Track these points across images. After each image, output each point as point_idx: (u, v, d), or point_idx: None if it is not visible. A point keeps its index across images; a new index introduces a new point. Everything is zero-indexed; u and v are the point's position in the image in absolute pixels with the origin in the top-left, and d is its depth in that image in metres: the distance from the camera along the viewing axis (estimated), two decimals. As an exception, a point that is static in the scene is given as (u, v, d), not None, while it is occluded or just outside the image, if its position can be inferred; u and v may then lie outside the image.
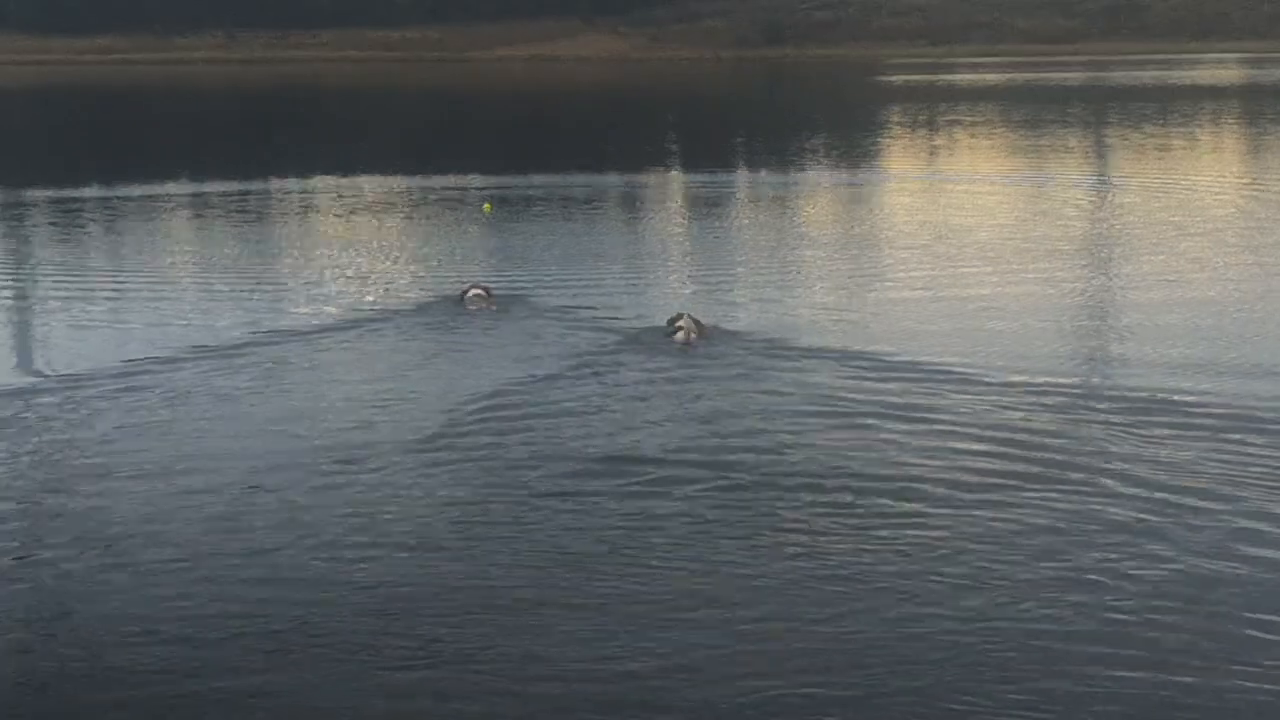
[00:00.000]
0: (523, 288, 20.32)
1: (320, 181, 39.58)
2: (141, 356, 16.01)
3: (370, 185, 38.10)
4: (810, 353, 16.01)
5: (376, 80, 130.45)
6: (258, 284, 21.62)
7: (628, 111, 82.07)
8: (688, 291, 20.31)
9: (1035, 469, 11.72)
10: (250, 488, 11.40)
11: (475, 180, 38.55)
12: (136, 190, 36.83)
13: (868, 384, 14.53)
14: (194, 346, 16.53)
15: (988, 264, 22.89)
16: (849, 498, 11.08)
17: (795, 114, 77.93)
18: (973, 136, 54.60)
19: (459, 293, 19.10)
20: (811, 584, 9.46)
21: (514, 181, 38.00)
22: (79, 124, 74.09)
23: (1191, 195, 32.71)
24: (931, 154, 48.56)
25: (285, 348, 16.51)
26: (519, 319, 17.94)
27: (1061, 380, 14.82)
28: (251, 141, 61.43)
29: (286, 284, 21.56)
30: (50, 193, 36.40)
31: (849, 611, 9.03)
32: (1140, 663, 8.31)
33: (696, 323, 16.61)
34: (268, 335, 17.18)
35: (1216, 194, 33.17)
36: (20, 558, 10.10)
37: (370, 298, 19.95)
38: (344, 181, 39.11)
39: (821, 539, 10.20)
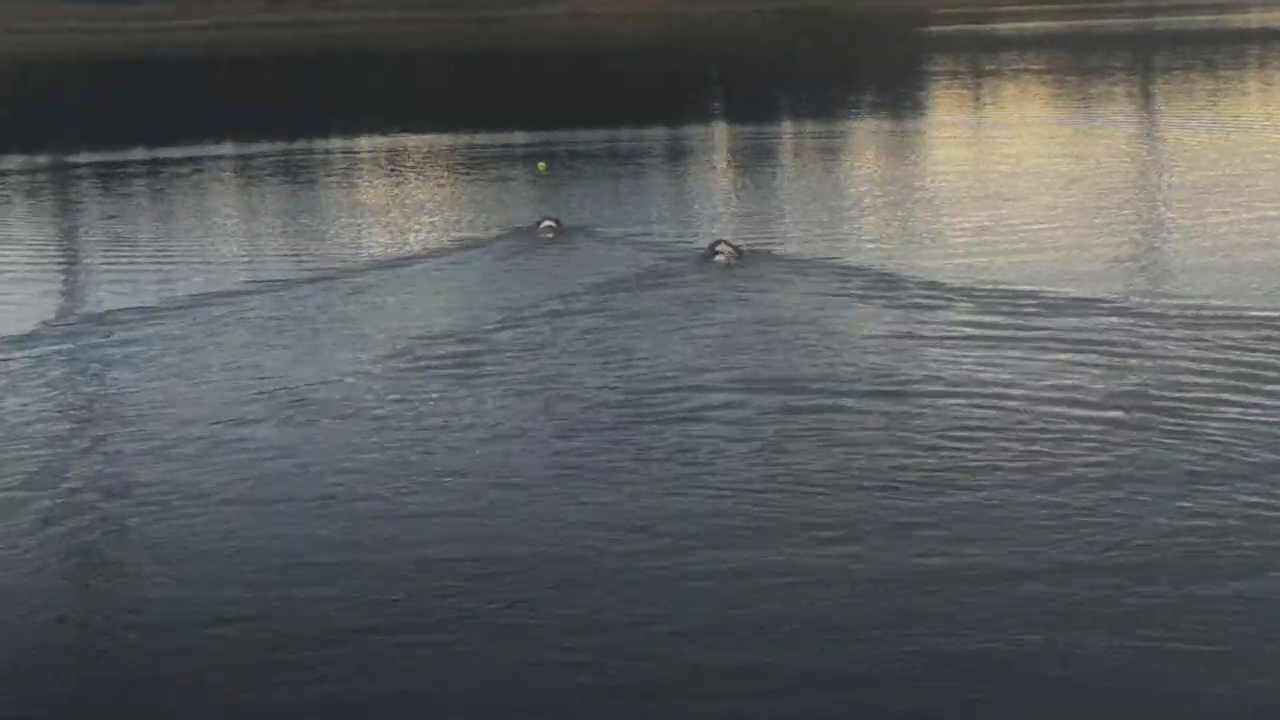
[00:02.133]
0: (585, 223, 22.63)
1: (384, 141, 40.68)
2: (240, 285, 18.35)
3: (424, 144, 39.19)
4: (847, 271, 17.78)
5: (419, 42, 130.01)
6: (336, 226, 23.82)
7: (671, 66, 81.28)
8: (732, 224, 22.38)
9: (1132, 395, 12.08)
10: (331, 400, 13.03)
11: (524, 138, 39.76)
12: (202, 151, 38.26)
13: (913, 303, 15.91)
14: (288, 278, 18.79)
15: (1043, 197, 23.90)
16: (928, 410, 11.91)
17: (840, 65, 76.87)
18: (1034, 83, 53.69)
19: (533, 223, 21.83)
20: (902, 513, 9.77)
21: (563, 138, 38.96)
22: (121, 92, 74.11)
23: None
24: (979, 102, 48.19)
25: (379, 274, 18.88)
26: (584, 246, 20.57)
27: (1132, 299, 15.73)
28: (298, 104, 61.20)
29: (366, 225, 23.76)
30: (99, 157, 37.57)
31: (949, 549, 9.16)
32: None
33: (734, 248, 19.01)
34: (359, 265, 19.59)
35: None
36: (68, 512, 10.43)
37: (451, 232, 22.46)
38: (405, 141, 40.26)
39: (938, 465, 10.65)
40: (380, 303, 17.21)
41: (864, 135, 37.51)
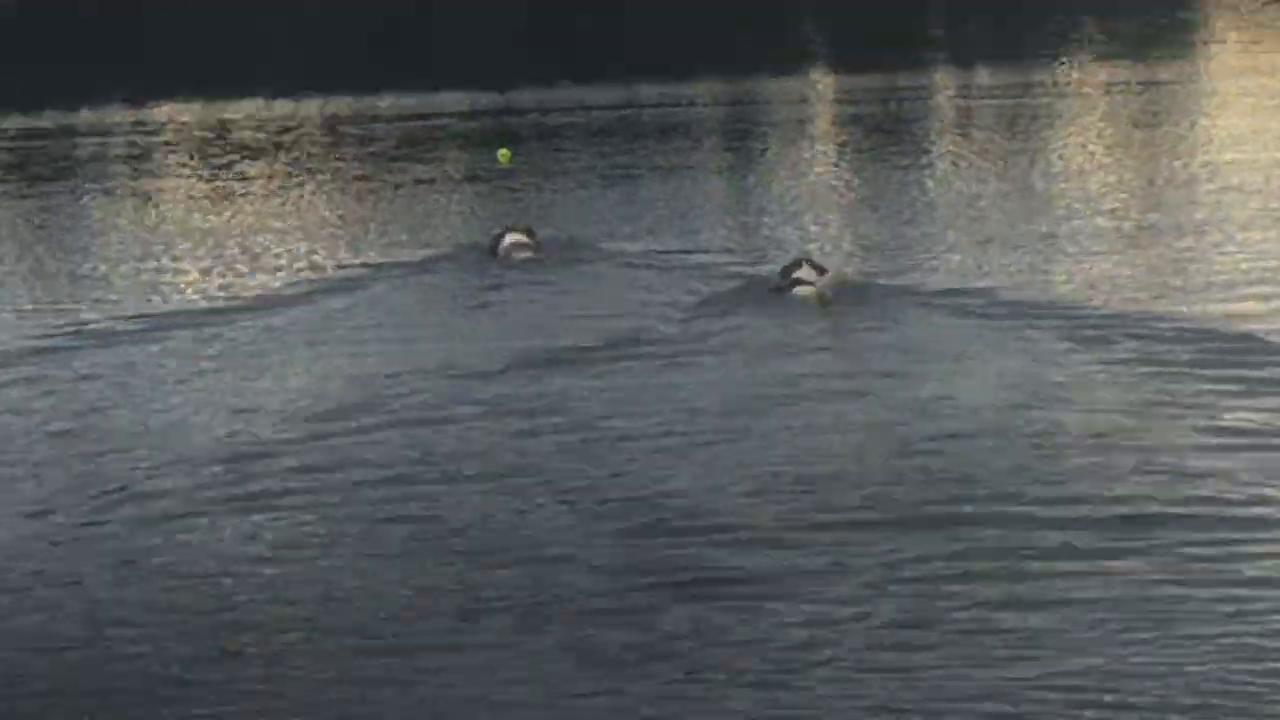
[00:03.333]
0: (573, 236, 23.25)
1: (219, 111, 41.81)
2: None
3: (295, 114, 40.64)
4: (1037, 314, 17.54)
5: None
6: (136, 252, 24.21)
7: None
8: (819, 238, 22.79)
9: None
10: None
11: (461, 100, 40.68)
12: None
13: (1099, 359, 15.77)
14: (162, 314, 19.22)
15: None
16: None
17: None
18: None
19: (491, 240, 22.43)
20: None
21: (534, 99, 39.82)
22: None
23: None
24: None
25: (273, 316, 19.10)
26: (571, 273, 20.97)
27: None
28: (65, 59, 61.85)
29: (195, 248, 24.14)
30: None
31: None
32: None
33: (820, 270, 18.84)
34: (250, 301, 20.07)
35: None
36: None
37: (357, 254, 23.04)
38: (262, 108, 41.84)
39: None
40: (227, 367, 16.94)
41: (1076, 91, 37.97)
